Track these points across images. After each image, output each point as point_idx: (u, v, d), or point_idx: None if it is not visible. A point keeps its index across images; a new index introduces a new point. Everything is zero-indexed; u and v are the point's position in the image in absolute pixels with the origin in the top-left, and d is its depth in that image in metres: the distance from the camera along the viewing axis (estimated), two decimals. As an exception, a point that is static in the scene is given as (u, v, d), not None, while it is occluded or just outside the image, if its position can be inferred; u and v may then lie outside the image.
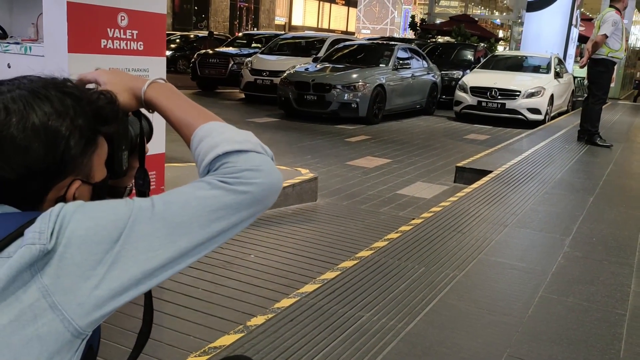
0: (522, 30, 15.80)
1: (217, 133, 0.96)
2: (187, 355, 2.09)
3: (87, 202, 0.89)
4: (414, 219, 3.96)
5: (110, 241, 0.83)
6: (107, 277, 0.82)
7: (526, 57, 12.27)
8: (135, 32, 3.31)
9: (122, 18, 3.22)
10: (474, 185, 4.89)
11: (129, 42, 3.29)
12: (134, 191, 1.16)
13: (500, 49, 21.73)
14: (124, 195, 1.15)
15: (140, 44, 3.36)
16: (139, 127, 1.13)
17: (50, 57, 2.98)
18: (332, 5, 36.80)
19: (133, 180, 1.16)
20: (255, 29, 27.86)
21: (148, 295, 1.11)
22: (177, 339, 2.31)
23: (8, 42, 3.18)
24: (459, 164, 6.17)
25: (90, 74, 1.06)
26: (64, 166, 0.89)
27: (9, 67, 3.09)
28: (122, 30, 3.23)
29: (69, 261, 0.81)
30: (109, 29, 3.16)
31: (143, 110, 1.11)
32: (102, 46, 3.14)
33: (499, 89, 10.50)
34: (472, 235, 3.51)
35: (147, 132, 1.18)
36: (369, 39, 15.58)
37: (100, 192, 0.99)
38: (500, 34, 31.12)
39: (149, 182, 1.15)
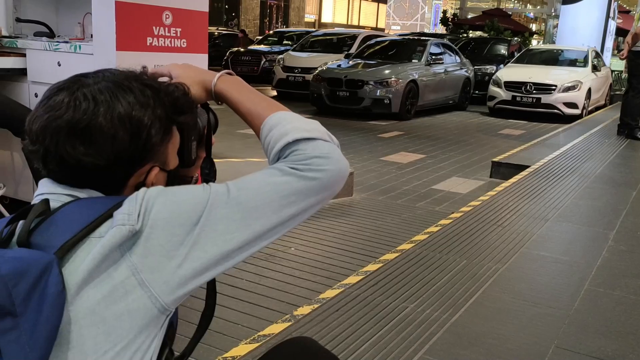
0: (557, 24, 15.52)
1: (286, 122, 1.00)
2: (237, 343, 2.15)
3: (168, 187, 0.94)
4: (453, 212, 3.96)
5: (190, 223, 0.88)
6: (189, 257, 0.87)
7: (562, 51, 12.06)
8: (179, 29, 3.38)
9: (167, 16, 3.30)
10: (512, 180, 4.85)
11: (173, 39, 3.36)
12: (199, 181, 1.21)
13: (534, 43, 21.35)
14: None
15: (184, 42, 3.43)
16: (206, 118, 1.18)
17: (99, 55, 3.07)
18: (362, 1, 36.69)
19: (199, 170, 1.20)
20: (285, 26, 27.96)
21: (211, 280, 1.15)
22: (226, 327, 2.36)
23: (58, 41, 3.28)
24: (494, 159, 6.12)
25: (163, 68, 1.11)
26: (145, 153, 0.94)
27: (59, 65, 3.19)
28: (166, 28, 3.31)
29: (154, 242, 0.86)
30: (154, 27, 3.23)
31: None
32: (148, 44, 3.22)
33: (534, 84, 10.36)
34: (512, 229, 3.50)
35: (213, 124, 1.23)
36: (400, 35, 15.50)
37: (174, 179, 1.04)
38: (534, 27, 30.59)
39: (215, 172, 1.20)
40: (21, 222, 0.88)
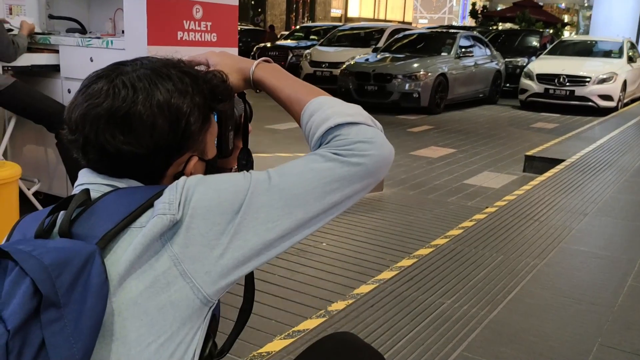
0: (590, 15, 15.16)
1: (327, 106, 0.97)
2: (271, 339, 2.12)
3: (207, 175, 0.91)
4: (487, 207, 3.88)
5: (231, 212, 0.85)
6: (231, 247, 0.84)
7: (596, 42, 11.77)
8: (209, 23, 3.37)
9: (197, 10, 3.29)
10: (548, 174, 4.74)
11: (203, 33, 3.35)
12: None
13: (566, 35, 20.91)
14: None
15: (214, 35, 3.42)
16: (242, 107, 1.15)
17: (131, 50, 3.07)
18: (389, -5, 36.42)
19: (236, 161, 1.18)
20: (311, 21, 27.92)
21: (250, 273, 1.13)
22: (260, 322, 2.34)
23: (90, 37, 3.30)
24: (528, 153, 6.00)
25: (201, 56, 1.08)
26: (184, 142, 0.92)
27: (92, 60, 3.21)
28: (197, 22, 3.30)
29: (195, 231, 0.83)
30: (184, 21, 3.23)
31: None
32: (179, 38, 3.21)
33: (568, 76, 10.12)
34: (550, 224, 3.41)
35: (249, 114, 1.20)
36: (429, 28, 15.33)
37: (212, 170, 1.01)
38: (566, 19, 29.97)
39: (252, 163, 1.16)
40: (62, 212, 0.87)
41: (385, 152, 0.94)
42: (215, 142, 1.04)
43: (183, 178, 0.88)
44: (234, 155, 1.14)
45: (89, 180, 0.92)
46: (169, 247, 0.82)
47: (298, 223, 0.88)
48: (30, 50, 3.26)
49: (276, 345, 2.03)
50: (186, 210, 0.83)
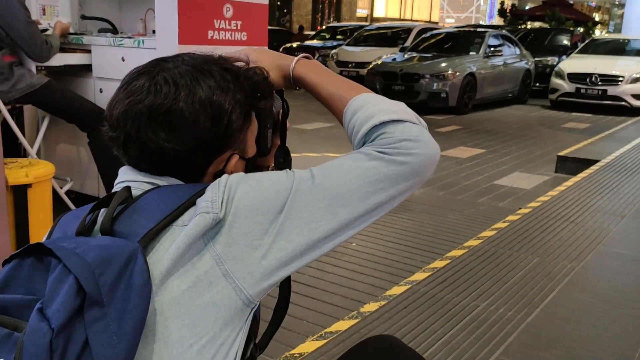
0: (622, 13, 14.83)
1: (372, 104, 0.94)
2: (304, 339, 2.10)
3: (249, 173, 0.89)
4: (520, 208, 3.80)
5: (274, 212, 0.82)
6: (274, 247, 0.82)
7: (629, 40, 11.50)
8: (239, 22, 3.37)
9: (227, 9, 3.29)
10: (582, 174, 4.63)
11: (233, 32, 3.35)
12: None
13: (597, 34, 20.51)
14: None
15: (244, 35, 3.41)
16: (280, 104, 1.13)
17: (162, 49, 3.08)
18: (415, -5, 36.19)
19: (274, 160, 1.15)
20: (337, 22, 27.90)
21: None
22: (292, 323, 2.32)
23: (122, 37, 3.32)
24: (560, 153, 5.88)
25: (240, 52, 1.06)
26: (225, 140, 0.90)
27: (123, 60, 3.23)
28: (227, 21, 3.30)
29: (237, 230, 0.81)
30: (215, 20, 3.23)
31: None
32: (209, 37, 3.21)
33: (600, 75, 9.91)
34: (586, 226, 3.32)
35: (286, 112, 1.18)
36: (457, 27, 15.17)
37: (252, 169, 0.99)
38: (597, 17, 29.40)
39: (290, 161, 1.14)
40: (103, 210, 0.85)
41: (432, 151, 0.91)
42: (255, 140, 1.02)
43: (225, 176, 0.86)
44: (271, 153, 1.12)
45: (129, 178, 0.90)
46: (211, 246, 0.80)
47: (342, 224, 0.86)
48: (63, 50, 3.29)
49: (309, 346, 2.00)
50: (229, 209, 0.81)
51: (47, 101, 3.10)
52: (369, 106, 0.94)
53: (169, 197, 0.85)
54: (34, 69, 3.11)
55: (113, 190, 0.90)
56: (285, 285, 1.11)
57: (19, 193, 2.53)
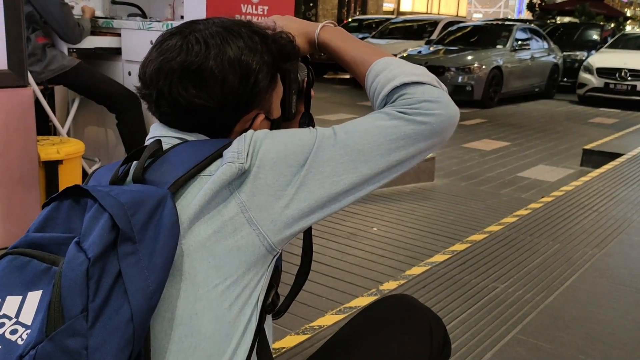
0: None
1: (394, 66, 0.97)
2: (323, 314, 2.14)
3: (274, 130, 0.93)
4: (543, 197, 3.78)
5: (297, 165, 0.86)
6: (296, 198, 0.86)
7: (661, 35, 11.27)
8: (266, 7, 3.41)
9: (254, -6, 3.33)
10: (607, 167, 4.58)
11: (260, 17, 3.39)
12: None
13: (629, 29, 20.08)
14: None
15: (270, 20, 3.45)
16: (306, 72, 1.16)
17: (189, 32, 3.14)
18: (442, -11, 35.81)
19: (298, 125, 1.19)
20: (362, 15, 27.76)
21: (307, 237, 1.14)
22: (311, 299, 2.36)
23: (151, 21, 3.39)
24: (586, 147, 5.81)
25: (268, 19, 1.10)
26: (252, 98, 0.94)
27: (152, 43, 3.29)
28: (254, 6, 3.34)
29: (262, 181, 0.85)
30: (242, 5, 3.27)
31: None
32: (236, 21, 3.26)
33: (630, 70, 9.73)
34: (609, 215, 3.30)
35: (311, 81, 1.22)
36: (484, 21, 15.01)
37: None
38: (628, 13, 28.77)
39: (314, 127, 1.18)
40: (135, 162, 0.90)
41: (451, 112, 0.93)
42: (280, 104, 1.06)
43: (251, 131, 0.90)
44: (296, 120, 1.16)
45: (160, 134, 0.95)
46: (236, 195, 0.84)
47: (363, 178, 0.89)
48: (93, 33, 3.37)
49: (328, 319, 2.04)
50: (254, 161, 0.85)
51: (78, 82, 3.19)
52: (390, 69, 0.97)
53: (197, 150, 0.89)
54: (65, 51, 3.20)
55: (144, 145, 0.94)
56: (307, 252, 1.15)
57: (50, 169, 2.62)
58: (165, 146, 0.92)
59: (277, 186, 0.85)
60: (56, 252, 0.79)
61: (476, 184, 4.97)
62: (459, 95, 9.32)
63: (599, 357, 1.88)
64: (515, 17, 34.46)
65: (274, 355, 1.01)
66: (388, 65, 0.98)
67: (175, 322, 0.82)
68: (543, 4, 21.86)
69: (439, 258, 2.62)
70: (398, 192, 4.34)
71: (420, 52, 10.05)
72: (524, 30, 10.79)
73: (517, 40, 10.32)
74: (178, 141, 0.93)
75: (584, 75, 10.29)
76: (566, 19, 19.30)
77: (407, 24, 13.14)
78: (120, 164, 0.92)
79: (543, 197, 3.81)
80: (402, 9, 33.18)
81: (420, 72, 0.96)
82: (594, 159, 5.54)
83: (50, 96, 3.40)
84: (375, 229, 3.36)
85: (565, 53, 11.84)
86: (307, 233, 1.14)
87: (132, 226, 0.77)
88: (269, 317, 0.94)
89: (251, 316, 0.86)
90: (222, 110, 0.92)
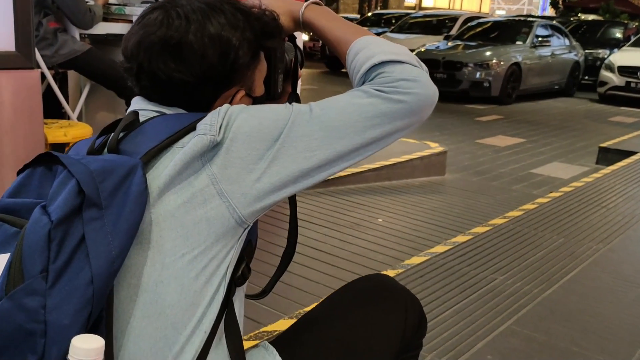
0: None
1: (373, 45, 0.97)
2: (317, 300, 2.12)
3: (251, 105, 0.93)
4: (551, 192, 3.74)
5: (271, 139, 0.86)
6: (268, 172, 0.86)
7: (686, 34, 11.04)
8: None
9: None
10: (621, 164, 4.51)
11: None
12: None
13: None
14: None
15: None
16: (293, 53, 1.16)
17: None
18: (466, -15, 35.46)
19: None
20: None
21: (293, 218, 1.15)
22: (307, 285, 2.37)
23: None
24: (602, 145, 5.73)
25: None
26: (232, 74, 0.94)
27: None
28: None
29: (234, 154, 0.85)
30: (251, -7, 3.28)
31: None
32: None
33: (652, 69, 9.56)
34: (618, 212, 3.25)
35: (300, 62, 1.21)
36: (504, 17, 14.84)
37: None
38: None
39: None
40: (112, 133, 0.91)
41: (429, 92, 0.93)
42: (264, 82, 1.06)
43: (227, 105, 0.91)
44: (282, 100, 1.16)
45: (139, 107, 0.96)
46: (208, 167, 0.85)
47: (336, 155, 0.89)
48: (105, 20, 3.41)
49: (321, 305, 2.04)
50: (227, 134, 0.86)
51: (88, 68, 3.23)
52: (370, 47, 0.97)
53: (172, 122, 0.90)
54: (77, 36, 3.24)
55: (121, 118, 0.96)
56: (292, 233, 1.15)
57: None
58: (142, 119, 0.93)
59: (250, 159, 0.86)
60: (27, 217, 0.80)
61: (488, 180, 4.94)
62: (477, 91, 9.24)
63: (593, 349, 1.86)
64: (539, 14, 34.00)
65: (266, 338, 1.02)
66: (368, 44, 0.98)
67: (141, 289, 0.83)
68: (567, 1, 21.54)
69: (439, 249, 2.61)
70: (407, 185, 4.33)
71: (438, 47, 9.97)
72: (544, 26, 10.65)
73: (537, 36, 10.19)
74: (156, 114, 0.94)
75: (605, 74, 10.13)
76: (590, 17, 19.00)
77: (427, 19, 13.06)
78: (97, 136, 0.94)
79: (551, 192, 3.77)
80: (424, 4, 32.92)
81: (400, 51, 0.96)
82: (610, 157, 5.46)
83: (63, 81, 3.45)
84: (380, 220, 3.36)
85: (587, 51, 11.67)
86: (293, 215, 1.14)
87: (100, 192, 0.78)
88: (239, 290, 0.95)
89: (219, 287, 0.87)
90: (201, 85, 0.93)
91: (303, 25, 1.07)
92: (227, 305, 0.90)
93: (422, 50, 9.96)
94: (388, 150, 4.92)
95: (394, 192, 4.01)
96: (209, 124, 0.86)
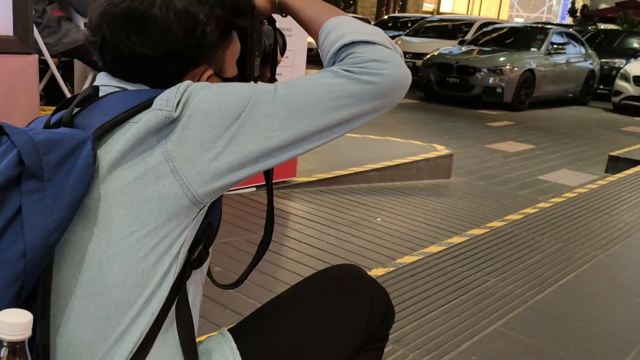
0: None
1: (345, 25, 0.94)
2: (305, 295, 2.12)
3: (215, 83, 0.91)
4: (554, 197, 3.69)
5: (231, 117, 0.84)
6: (226, 151, 0.83)
7: None
8: None
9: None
10: (628, 172, 4.45)
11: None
12: None
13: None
14: None
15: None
16: (272, 37, 1.14)
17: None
18: (484, -8, 35.33)
19: None
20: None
21: (270, 207, 1.12)
22: (296, 280, 2.34)
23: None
24: (612, 153, 5.65)
25: None
26: (199, 52, 0.91)
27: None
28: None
29: (191, 131, 0.83)
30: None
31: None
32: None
33: (668, 79, 9.43)
34: (620, 219, 3.19)
35: (281, 46, 1.19)
36: (520, 23, 14.72)
37: None
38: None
39: None
40: None
41: (401, 74, 0.90)
42: (239, 65, 1.04)
43: (189, 81, 0.88)
44: None
45: (103, 82, 0.94)
46: (163, 144, 0.82)
47: (300, 135, 0.86)
48: (112, 10, 3.42)
49: (307, 299, 2.02)
50: (185, 110, 0.83)
51: (91, 57, 3.24)
52: (342, 27, 0.94)
53: (130, 97, 0.88)
54: (82, 25, 3.25)
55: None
56: (269, 222, 1.13)
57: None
58: (102, 94, 0.91)
59: (207, 137, 0.83)
60: None
61: (494, 184, 4.89)
62: (489, 96, 9.17)
63: (580, 354, 1.81)
64: (558, 22, 33.75)
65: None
66: (340, 24, 0.95)
67: (84, 266, 0.81)
68: (585, 10, 21.33)
69: (433, 249, 2.58)
70: (411, 187, 4.29)
71: (451, 51, 9.91)
72: (560, 34, 10.55)
73: (552, 44, 10.10)
74: (117, 90, 0.92)
75: (620, 83, 10.01)
76: (610, 26, 18.80)
77: (443, 24, 13.00)
78: (53, 111, 0.92)
79: (554, 197, 3.72)
80: (442, 9, 32.84)
81: (372, 32, 0.93)
82: (620, 165, 5.38)
83: (70, 69, 3.47)
84: (379, 219, 3.33)
85: (603, 60, 11.54)
86: (270, 204, 1.12)
87: (43, 165, 0.76)
88: (196, 274, 0.92)
89: (169, 268, 0.84)
90: (166, 61, 0.90)
91: (279, 6, 1.05)
92: (179, 288, 0.87)
93: (436, 54, 9.92)
94: (393, 151, 4.90)
95: (397, 193, 3.97)
96: (165, 100, 0.84)
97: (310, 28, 1.01)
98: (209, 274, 1.16)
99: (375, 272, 2.29)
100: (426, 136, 6.52)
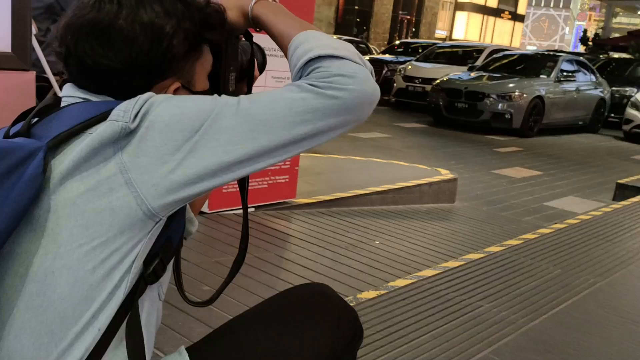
0: None
1: (313, 39, 0.93)
2: (294, 316, 2.08)
3: (177, 95, 0.90)
4: (556, 223, 3.64)
5: (191, 130, 0.83)
6: (184, 164, 0.82)
7: None
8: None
9: (272, -1, 3.35)
10: (634, 199, 4.38)
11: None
12: None
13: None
14: None
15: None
16: (249, 52, 1.13)
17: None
18: (497, 19, 35.50)
19: None
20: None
21: (245, 225, 1.11)
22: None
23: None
24: (620, 181, 5.58)
25: None
26: (166, 64, 0.91)
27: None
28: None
29: (148, 143, 0.82)
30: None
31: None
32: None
33: (679, 108, 9.35)
34: (622, 246, 3.13)
35: (260, 63, 1.18)
36: (530, 51, 14.74)
37: None
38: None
39: None
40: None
41: (367, 89, 0.88)
42: (213, 80, 1.03)
43: (150, 93, 0.87)
44: None
45: (67, 93, 0.93)
46: (119, 155, 0.81)
47: (261, 150, 0.84)
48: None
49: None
50: (143, 122, 0.82)
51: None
52: (309, 41, 0.93)
53: (90, 108, 0.87)
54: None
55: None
56: (244, 240, 1.11)
57: None
58: (64, 104, 0.91)
59: (165, 150, 0.82)
60: None
61: (498, 210, 4.84)
62: (497, 122, 9.14)
63: (572, 384, 1.76)
64: (570, 50, 33.81)
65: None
66: (308, 38, 0.94)
67: (28, 279, 0.80)
68: (597, 38, 21.35)
69: (428, 272, 2.54)
70: (413, 210, 4.25)
71: (460, 77, 9.93)
72: (570, 61, 10.54)
73: (562, 71, 10.08)
74: (80, 101, 0.91)
75: (631, 111, 9.96)
76: (621, 55, 18.77)
77: (453, 49, 13.05)
78: (13, 122, 0.91)
79: (556, 223, 3.66)
80: (454, 36, 33.02)
81: (340, 46, 0.92)
82: (627, 194, 5.31)
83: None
84: (377, 242, 3.29)
85: (614, 88, 11.50)
86: (245, 222, 1.10)
87: None
88: (153, 289, 0.90)
89: (120, 282, 0.82)
90: (131, 73, 0.89)
91: (252, 20, 1.04)
92: (131, 303, 0.85)
93: (445, 79, 9.93)
94: (397, 174, 4.87)
95: (398, 216, 3.94)
96: (123, 110, 0.83)
97: (281, 42, 1.00)
98: (180, 290, 1.14)
99: (366, 295, 2.26)
100: (432, 160, 6.49)
